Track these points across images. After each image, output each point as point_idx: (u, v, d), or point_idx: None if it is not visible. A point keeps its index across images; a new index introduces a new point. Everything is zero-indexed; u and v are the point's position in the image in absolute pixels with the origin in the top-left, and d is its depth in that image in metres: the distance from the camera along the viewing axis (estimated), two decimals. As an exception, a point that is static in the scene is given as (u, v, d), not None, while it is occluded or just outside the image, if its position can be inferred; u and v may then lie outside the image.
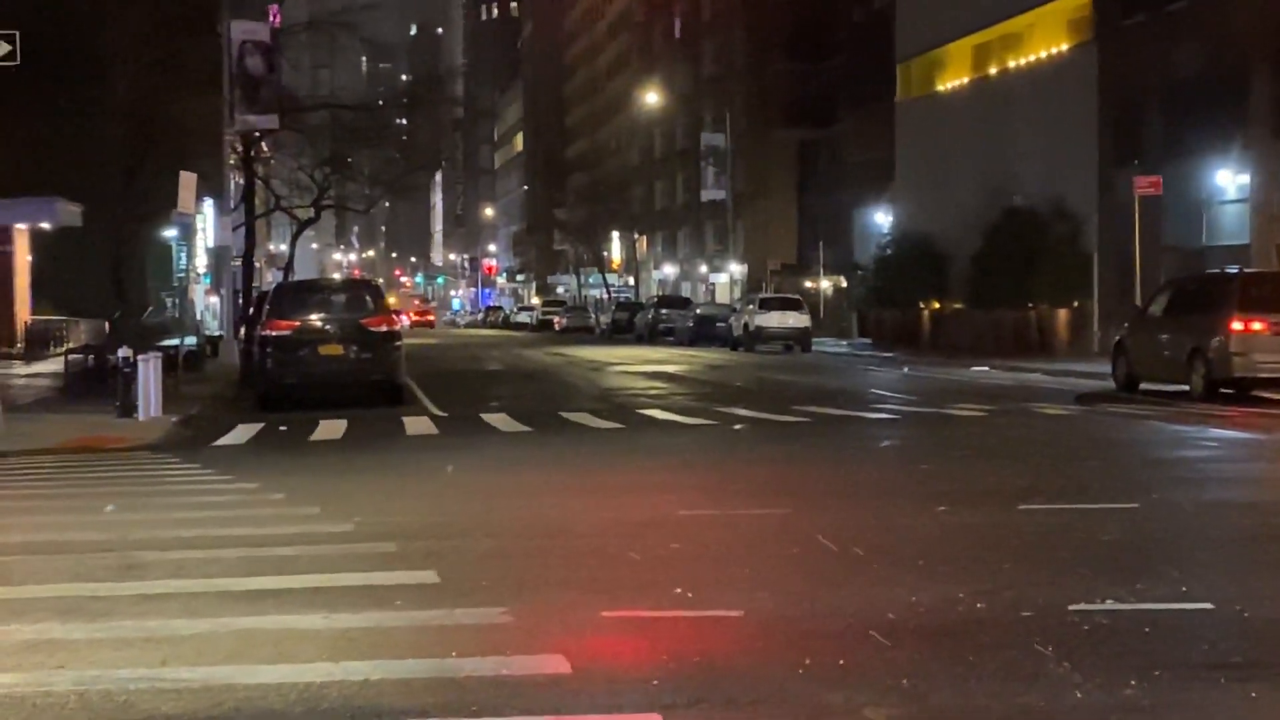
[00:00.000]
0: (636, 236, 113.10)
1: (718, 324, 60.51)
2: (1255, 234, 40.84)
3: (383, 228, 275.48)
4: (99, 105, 37.55)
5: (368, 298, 28.79)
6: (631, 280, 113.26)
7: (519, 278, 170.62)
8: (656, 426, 22.02)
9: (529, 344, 66.08)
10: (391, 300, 46.63)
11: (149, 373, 23.32)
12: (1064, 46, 51.96)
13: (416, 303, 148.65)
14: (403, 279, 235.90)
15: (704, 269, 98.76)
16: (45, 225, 41.55)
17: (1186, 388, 25.38)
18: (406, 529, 11.66)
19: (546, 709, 6.49)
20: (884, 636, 7.75)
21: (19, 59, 19.62)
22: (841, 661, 7.23)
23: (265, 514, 12.78)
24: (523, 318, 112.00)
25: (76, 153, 38.93)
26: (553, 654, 7.35)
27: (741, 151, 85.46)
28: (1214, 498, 13.74)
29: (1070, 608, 8.35)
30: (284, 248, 69.35)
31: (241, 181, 44.93)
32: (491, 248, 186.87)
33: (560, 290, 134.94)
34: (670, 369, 39.38)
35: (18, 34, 19.70)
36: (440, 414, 24.89)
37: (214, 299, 59.58)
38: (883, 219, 66.20)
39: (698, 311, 66.67)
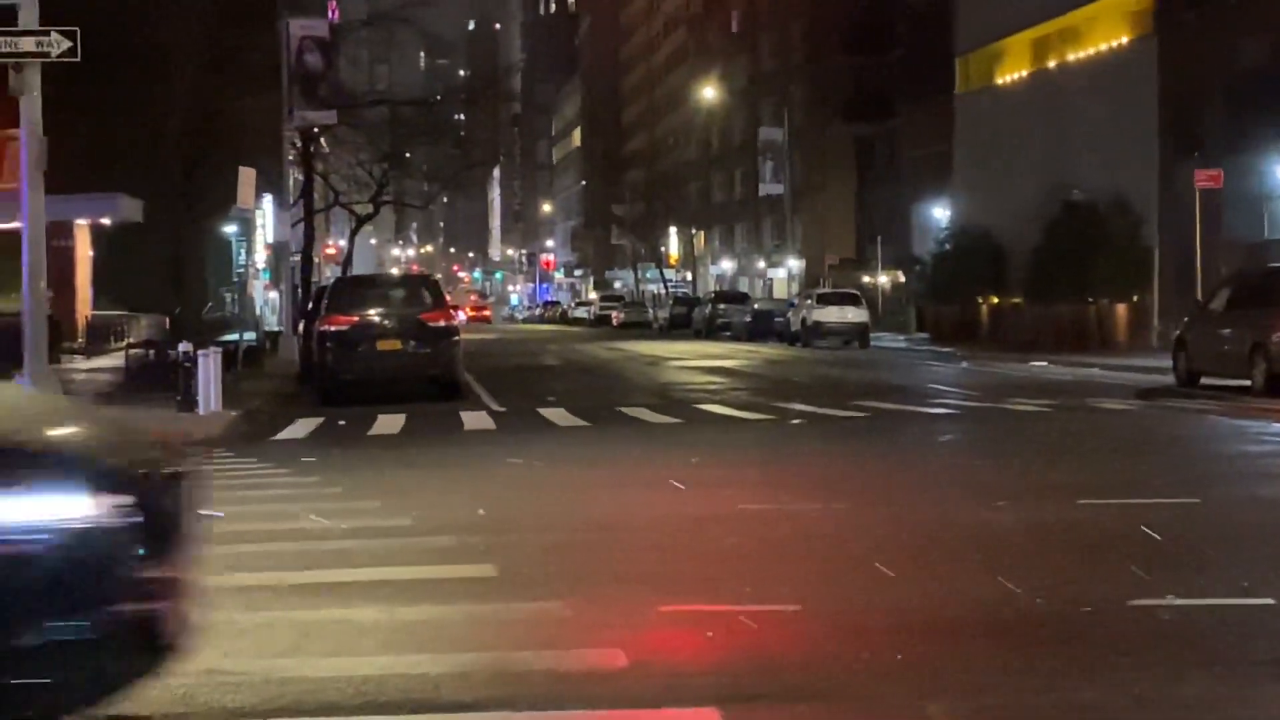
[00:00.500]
0: (694, 231, 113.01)
1: (775, 319, 60.40)
2: (1319, 227, 40.43)
3: (441, 223, 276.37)
4: (159, 102, 37.80)
5: (425, 293, 28.89)
6: (689, 275, 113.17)
7: (576, 273, 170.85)
8: (715, 421, 22.00)
9: (586, 339, 66.16)
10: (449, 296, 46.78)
11: (209, 368, 23.48)
12: (1124, 39, 51.57)
13: (474, 298, 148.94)
14: (461, 274, 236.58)
15: (761, 264, 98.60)
16: (106, 220, 41.88)
17: (1248, 383, 25.12)
18: (464, 523, 11.70)
19: (604, 702, 6.50)
20: (943, 632, 7.72)
21: (80, 56, 19.73)
22: (900, 656, 7.21)
23: (324, 507, 12.85)
24: (580, 313, 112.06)
25: (137, 149, 39.19)
26: (610, 648, 7.36)
27: (799, 146, 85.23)
28: (1275, 493, 13.61)
29: (1130, 603, 8.29)
30: (342, 243, 69.70)
31: (300, 177, 45.08)
32: (549, 243, 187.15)
33: (617, 285, 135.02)
34: (728, 364, 39.34)
35: (78, 30, 19.83)
36: (498, 408, 24.95)
37: (273, 294, 59.98)
38: (941, 213, 65.88)
39: (755, 307, 66.57)
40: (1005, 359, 41.50)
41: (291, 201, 45.03)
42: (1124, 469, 15.19)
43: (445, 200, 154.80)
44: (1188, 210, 40.76)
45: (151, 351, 28.77)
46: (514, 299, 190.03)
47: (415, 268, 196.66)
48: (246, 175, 30.46)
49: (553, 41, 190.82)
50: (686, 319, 76.48)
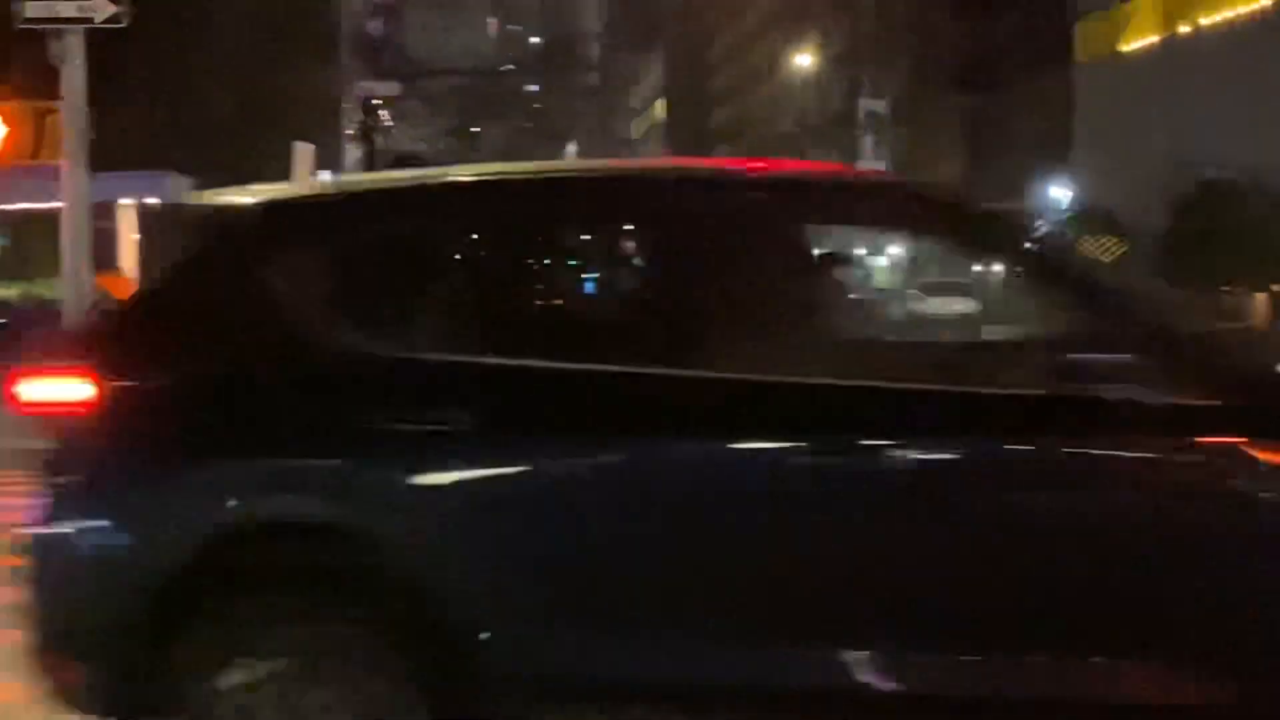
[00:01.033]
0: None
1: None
2: None
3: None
4: (208, 73, 38.07)
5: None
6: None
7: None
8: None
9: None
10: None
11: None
12: (1266, 1, 50.82)
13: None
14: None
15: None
16: (153, 200, 42.21)
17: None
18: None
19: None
20: None
21: (126, 22, 19.80)
22: None
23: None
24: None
25: (185, 125, 39.49)
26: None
27: (903, 118, 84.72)
28: None
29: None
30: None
31: (360, 154, 45.29)
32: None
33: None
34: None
35: (127, -2, 19.87)
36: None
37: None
38: (1059, 192, 65.28)
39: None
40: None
41: (351, 180, 45.21)
42: None
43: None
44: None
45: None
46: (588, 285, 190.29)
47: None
48: (304, 152, 30.50)
49: (634, 5, 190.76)
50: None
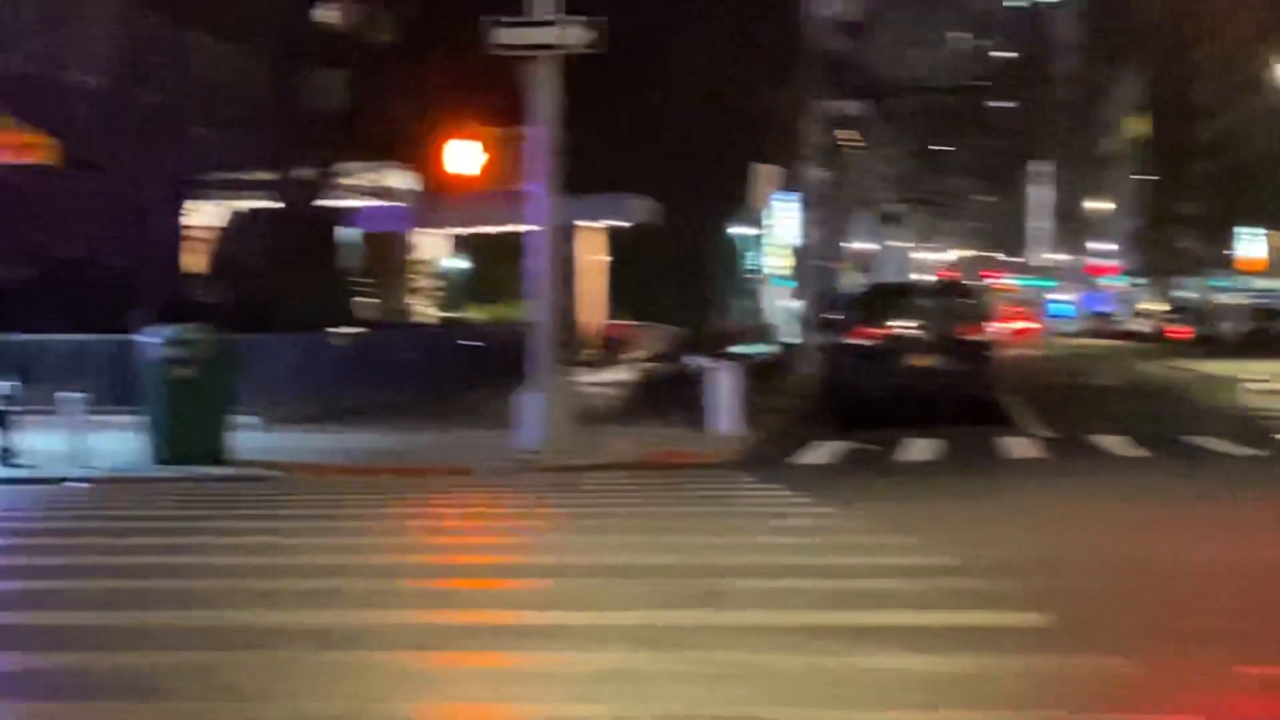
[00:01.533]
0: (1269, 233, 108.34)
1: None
2: None
3: (973, 224, 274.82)
4: (671, 97, 39.01)
5: (963, 303, 28.89)
6: (1276, 284, 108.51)
7: (1133, 281, 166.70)
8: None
9: (1144, 355, 64.48)
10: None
11: (726, 383, 24.08)
12: None
13: (1015, 309, 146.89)
14: (997, 281, 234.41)
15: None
16: (612, 223, 43.49)
17: None
18: (1009, 564, 11.61)
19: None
20: None
21: (601, 49, 20.58)
22: None
23: (848, 541, 13.00)
24: (1137, 325, 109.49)
25: (646, 147, 40.58)
26: (1191, 715, 7.19)
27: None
28: None
29: None
30: (868, 246, 70.25)
31: (821, 175, 45.73)
32: (1099, 246, 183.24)
33: (1181, 294, 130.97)
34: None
35: (606, 20, 20.66)
36: (1044, 434, 24.64)
37: (790, 302, 60.97)
38: None
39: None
40: None
41: (809, 201, 45.69)
42: None
43: (979, 197, 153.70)
44: None
45: (663, 364, 29.74)
46: (1058, 308, 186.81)
47: (942, 274, 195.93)
48: (766, 173, 31.16)
49: (1112, 15, 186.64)
50: (1267, 334, 73.63)
